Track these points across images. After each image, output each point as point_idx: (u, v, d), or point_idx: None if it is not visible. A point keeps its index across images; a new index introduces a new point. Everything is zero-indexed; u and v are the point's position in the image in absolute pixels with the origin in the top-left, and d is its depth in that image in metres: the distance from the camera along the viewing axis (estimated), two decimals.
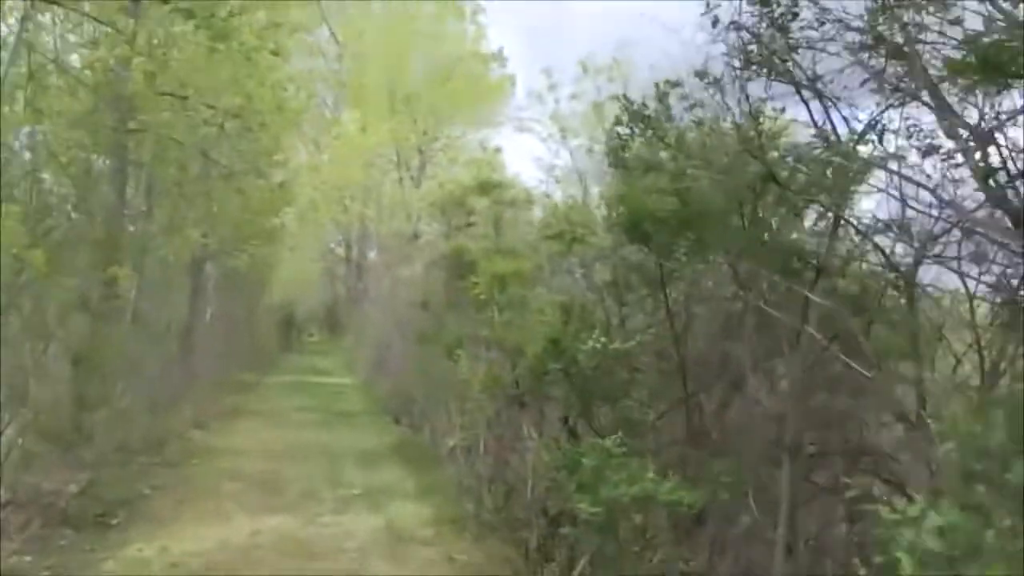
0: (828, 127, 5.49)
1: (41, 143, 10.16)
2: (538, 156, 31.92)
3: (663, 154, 6.53)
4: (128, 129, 12.81)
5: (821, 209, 5.93)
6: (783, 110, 5.78)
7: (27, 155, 9.73)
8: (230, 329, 27.18)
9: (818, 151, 5.40)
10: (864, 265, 6.03)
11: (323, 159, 40.16)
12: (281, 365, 36.14)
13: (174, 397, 18.11)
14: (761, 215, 5.96)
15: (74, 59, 12.65)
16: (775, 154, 5.67)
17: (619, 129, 6.76)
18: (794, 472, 5.55)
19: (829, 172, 5.25)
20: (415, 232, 29.95)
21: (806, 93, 5.43)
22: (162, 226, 16.85)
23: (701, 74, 5.93)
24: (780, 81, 5.50)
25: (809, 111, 5.51)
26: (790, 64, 5.34)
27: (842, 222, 5.75)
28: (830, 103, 5.41)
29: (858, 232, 5.63)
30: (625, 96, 6.63)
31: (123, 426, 13.29)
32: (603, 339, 6.81)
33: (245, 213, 20.26)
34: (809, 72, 5.35)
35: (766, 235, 5.98)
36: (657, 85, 6.45)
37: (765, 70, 5.45)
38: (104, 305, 11.64)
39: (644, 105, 6.51)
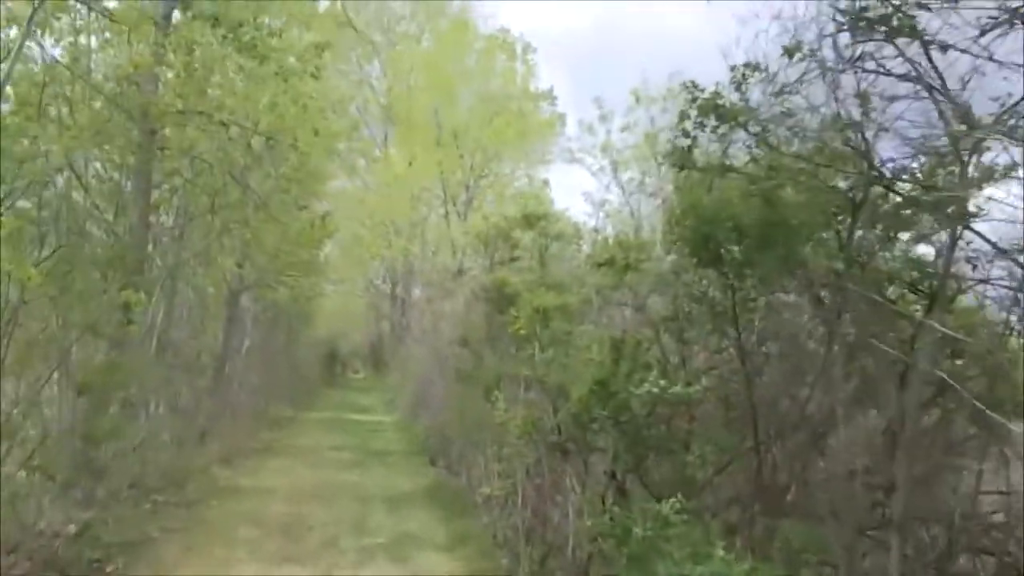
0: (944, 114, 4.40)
1: (56, 154, 9.42)
2: (587, 190, 30.93)
3: (740, 154, 5.49)
4: (158, 147, 12.13)
5: (934, 222, 4.83)
6: (892, 99, 4.68)
7: (40, 164, 8.95)
8: (268, 362, 26.46)
9: (940, 143, 4.37)
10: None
11: (369, 193, 39.78)
12: (322, 401, 35.53)
13: (203, 431, 17.41)
14: (860, 228, 4.87)
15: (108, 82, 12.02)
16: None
17: (685, 125, 5.71)
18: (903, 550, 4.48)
19: (954, 172, 4.23)
20: (460, 268, 29.24)
21: (926, 76, 4.38)
22: (195, 253, 16.23)
23: (791, 49, 4.90)
24: (891, 74, 4.45)
25: (941, 85, 4.40)
26: (914, 27, 4.28)
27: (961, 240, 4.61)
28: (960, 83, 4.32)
29: (994, 250, 4.47)
30: (693, 83, 5.59)
31: (139, 461, 12.52)
32: (661, 381, 5.75)
33: (284, 244, 19.65)
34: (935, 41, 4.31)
35: (864, 254, 4.88)
36: (733, 68, 5.41)
37: (882, 33, 4.39)
38: (120, 331, 10.84)
39: (717, 94, 5.47)
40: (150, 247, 14.21)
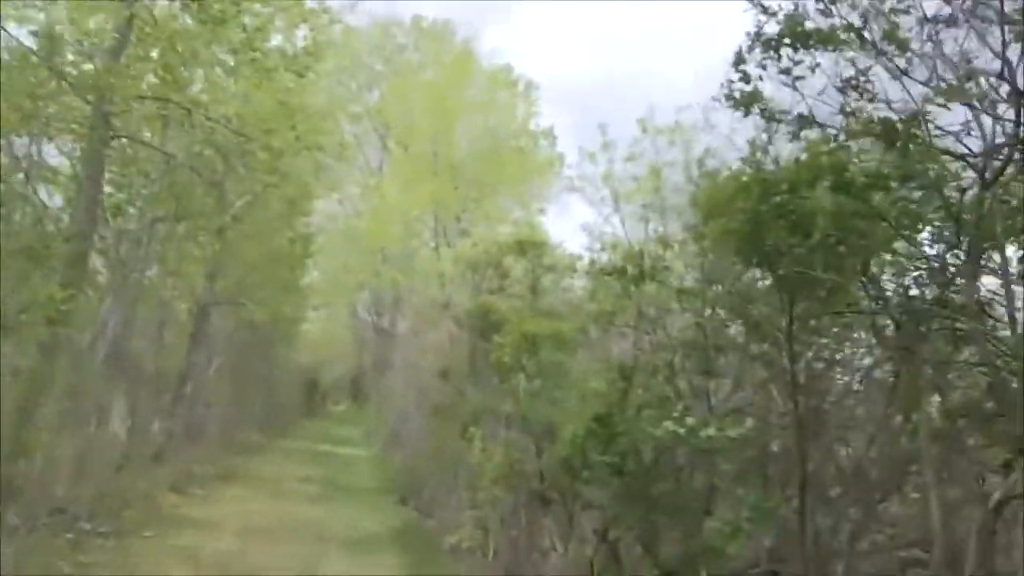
0: None
1: None
2: (586, 221, 29.43)
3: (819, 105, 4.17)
4: (113, 135, 10.88)
5: None
6: None
7: None
8: (241, 384, 25.05)
9: None
10: None
11: (360, 219, 38.87)
12: (298, 429, 34.50)
13: (157, 453, 16.04)
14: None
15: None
16: None
17: (745, 67, 4.34)
18: None
19: None
20: (447, 300, 28.04)
21: None
22: (159, 258, 14.96)
23: None
24: None
25: None
26: None
27: None
28: None
29: None
30: (760, 3, 4.20)
31: (73, 482, 11.11)
32: (688, 419, 4.34)
33: (261, 259, 18.54)
34: None
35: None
36: None
37: None
38: (51, 334, 9.52)
39: (798, 17, 4.10)
40: (120, 251, 13.01)
